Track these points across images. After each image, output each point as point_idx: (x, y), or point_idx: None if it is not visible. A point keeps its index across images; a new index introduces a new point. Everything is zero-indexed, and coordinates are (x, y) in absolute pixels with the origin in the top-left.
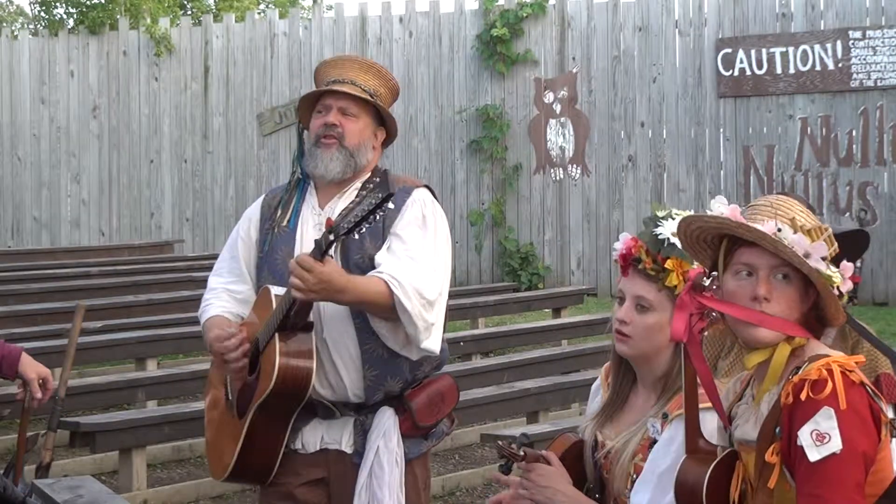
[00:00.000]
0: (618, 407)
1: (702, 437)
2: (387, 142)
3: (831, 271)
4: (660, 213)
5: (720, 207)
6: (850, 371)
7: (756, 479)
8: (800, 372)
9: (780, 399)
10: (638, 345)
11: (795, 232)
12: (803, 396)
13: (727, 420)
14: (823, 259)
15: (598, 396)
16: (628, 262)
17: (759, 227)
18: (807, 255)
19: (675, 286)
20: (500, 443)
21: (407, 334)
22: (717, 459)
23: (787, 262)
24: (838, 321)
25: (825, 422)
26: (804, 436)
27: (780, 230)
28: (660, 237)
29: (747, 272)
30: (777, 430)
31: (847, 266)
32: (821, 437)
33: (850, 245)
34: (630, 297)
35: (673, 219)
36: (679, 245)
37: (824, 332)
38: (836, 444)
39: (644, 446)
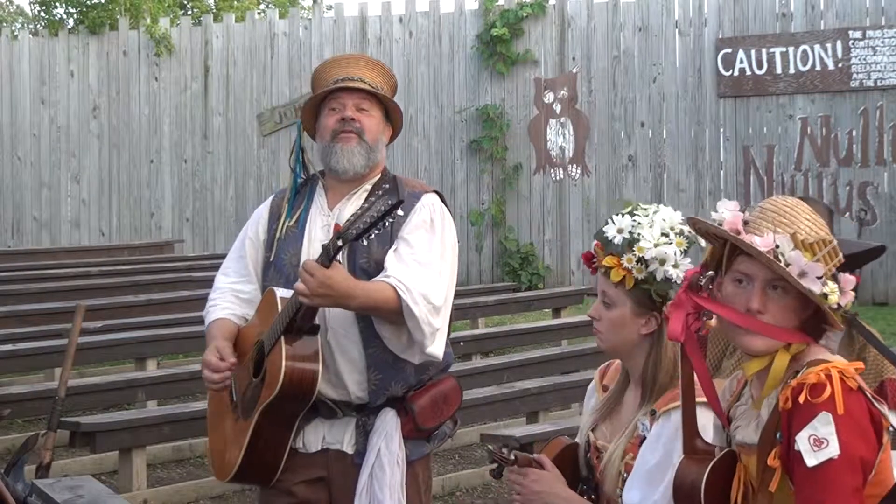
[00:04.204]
0: (612, 406)
1: (699, 437)
2: (391, 138)
3: (828, 288)
4: (625, 209)
5: (724, 212)
6: (849, 377)
7: (758, 482)
8: (798, 376)
9: (779, 403)
10: (607, 339)
11: (794, 248)
12: (801, 399)
13: (726, 420)
14: (819, 278)
15: (592, 398)
16: (589, 261)
17: (756, 240)
18: (802, 275)
19: (622, 280)
20: (490, 448)
21: (409, 338)
22: (715, 459)
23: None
24: (838, 328)
25: (823, 427)
26: (802, 441)
27: (777, 246)
28: (605, 235)
29: (744, 280)
30: (778, 435)
31: (848, 279)
32: (818, 443)
33: (869, 257)
34: (599, 294)
35: (632, 214)
36: (619, 242)
37: (826, 335)
38: (833, 450)
39: (634, 444)
